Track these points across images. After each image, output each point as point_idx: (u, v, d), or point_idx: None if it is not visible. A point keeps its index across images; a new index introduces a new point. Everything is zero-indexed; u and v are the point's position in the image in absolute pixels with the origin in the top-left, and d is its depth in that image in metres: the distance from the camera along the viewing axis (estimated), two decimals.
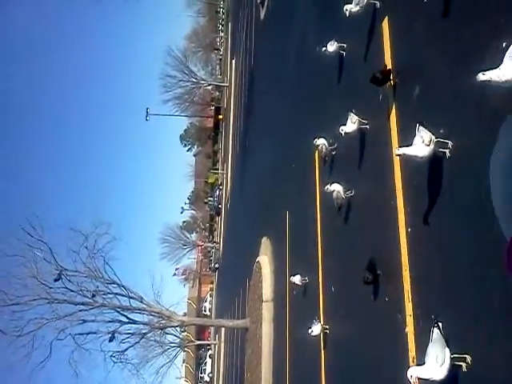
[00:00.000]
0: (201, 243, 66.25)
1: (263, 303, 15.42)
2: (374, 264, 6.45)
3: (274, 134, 17.44)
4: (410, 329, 5.23)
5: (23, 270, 22.03)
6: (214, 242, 59.29)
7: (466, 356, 4.00)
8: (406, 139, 5.12)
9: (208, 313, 57.92)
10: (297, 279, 10.86)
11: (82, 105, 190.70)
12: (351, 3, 6.95)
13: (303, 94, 12.80)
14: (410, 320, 5.25)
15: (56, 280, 21.96)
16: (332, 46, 8.42)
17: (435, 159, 4.73)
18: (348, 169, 8.22)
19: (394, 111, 6.02)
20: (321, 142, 8.89)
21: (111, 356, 21.93)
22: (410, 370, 4.12)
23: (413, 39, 5.78)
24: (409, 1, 5.92)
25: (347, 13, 6.99)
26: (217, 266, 52.99)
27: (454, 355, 4.02)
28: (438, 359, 3.99)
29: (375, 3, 6.72)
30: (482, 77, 3.69)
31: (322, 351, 9.15)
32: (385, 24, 6.43)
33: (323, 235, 9.92)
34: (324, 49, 8.58)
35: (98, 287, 22.72)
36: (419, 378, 4.10)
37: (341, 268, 8.64)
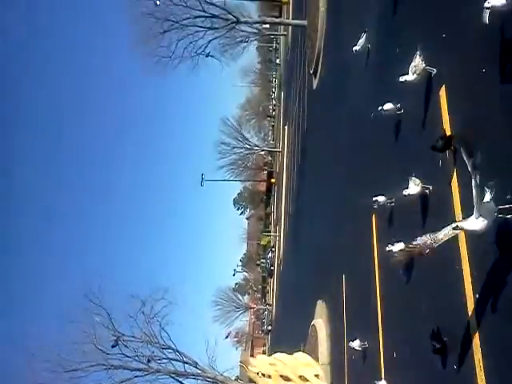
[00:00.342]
0: (253, 305, 65.44)
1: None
2: (439, 330, 6.24)
3: (328, 196, 17.54)
4: None
5: (82, 336, 22.54)
6: (267, 304, 58.38)
7: None
8: (468, 207, 5.09)
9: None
10: (356, 344, 10.57)
11: (139, 171, 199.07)
12: (407, 74, 7.20)
13: (357, 156, 12.95)
14: None
15: (113, 346, 22.25)
16: (388, 105, 8.64)
17: (502, 226, 4.67)
18: (409, 230, 8.16)
19: (454, 178, 6.02)
20: (381, 198, 9.03)
21: None
22: None
23: (471, 107, 5.87)
24: (466, 70, 6.07)
25: (403, 80, 7.21)
26: (270, 328, 51.99)
27: None
28: None
29: (431, 71, 6.91)
30: None
31: None
32: (442, 92, 6.59)
33: (383, 297, 9.70)
34: (380, 108, 8.78)
35: (153, 352, 22.86)
36: None
37: (403, 333, 8.37)
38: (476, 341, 5.25)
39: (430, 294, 7.01)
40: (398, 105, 8.55)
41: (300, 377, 0.87)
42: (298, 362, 0.84)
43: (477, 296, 5.30)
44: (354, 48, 11.96)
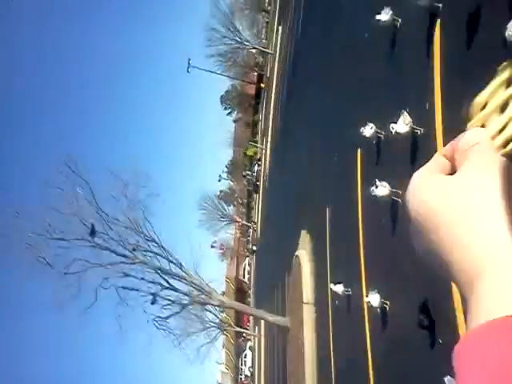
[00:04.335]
0: (238, 219, 66.51)
1: (304, 305, 15.29)
2: (427, 303, 6.18)
3: (319, 114, 17.03)
4: None
5: (64, 205, 22.46)
6: (252, 222, 59.31)
7: None
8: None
9: (246, 280, 59.31)
10: (339, 289, 10.65)
11: (124, 49, 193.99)
12: None
13: (352, 74, 12.36)
14: None
15: (92, 234, 22.30)
16: (386, 16, 8.29)
17: None
18: (396, 169, 8.02)
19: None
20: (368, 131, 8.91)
21: (154, 320, 22.70)
22: None
23: None
24: None
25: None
26: (254, 248, 53.21)
27: None
28: None
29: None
30: None
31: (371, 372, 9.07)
32: None
33: (367, 243, 9.67)
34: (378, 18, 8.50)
35: (138, 242, 22.92)
36: None
37: (387, 286, 8.41)
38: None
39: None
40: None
41: None
42: None
43: None
44: None
